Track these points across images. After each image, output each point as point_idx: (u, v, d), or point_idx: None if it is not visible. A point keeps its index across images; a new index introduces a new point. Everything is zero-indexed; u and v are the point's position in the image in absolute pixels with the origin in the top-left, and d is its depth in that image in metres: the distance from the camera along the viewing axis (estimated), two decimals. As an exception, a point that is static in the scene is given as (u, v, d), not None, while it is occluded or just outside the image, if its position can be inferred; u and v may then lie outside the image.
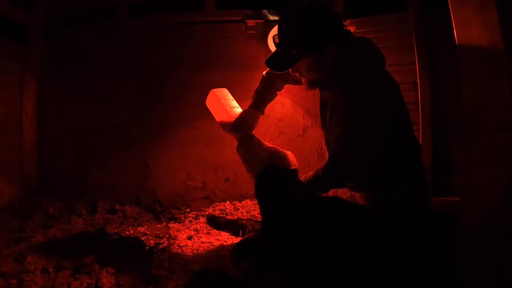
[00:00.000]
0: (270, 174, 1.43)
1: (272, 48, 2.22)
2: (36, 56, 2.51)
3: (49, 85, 2.54)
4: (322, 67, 1.25)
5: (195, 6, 2.51)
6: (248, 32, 2.43)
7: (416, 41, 2.13)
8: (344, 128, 1.25)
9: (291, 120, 2.46)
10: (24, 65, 2.44)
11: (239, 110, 1.69)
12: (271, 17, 2.43)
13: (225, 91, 1.76)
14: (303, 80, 1.37)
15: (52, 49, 2.55)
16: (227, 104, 1.69)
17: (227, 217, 2.08)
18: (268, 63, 1.31)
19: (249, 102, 1.67)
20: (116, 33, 2.54)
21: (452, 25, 1.08)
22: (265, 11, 2.44)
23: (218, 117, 1.70)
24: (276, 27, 1.66)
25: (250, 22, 2.41)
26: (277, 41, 1.26)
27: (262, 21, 2.41)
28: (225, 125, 1.66)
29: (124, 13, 2.54)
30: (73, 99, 2.53)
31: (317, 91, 1.75)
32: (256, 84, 1.69)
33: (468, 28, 1.04)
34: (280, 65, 1.27)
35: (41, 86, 2.53)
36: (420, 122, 2.10)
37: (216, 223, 1.96)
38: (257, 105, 1.65)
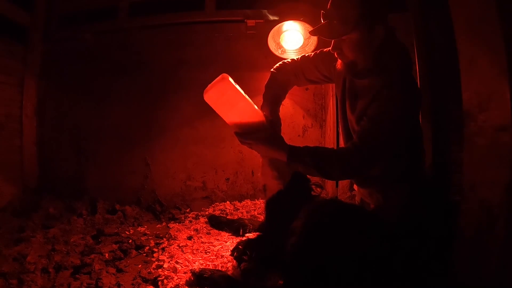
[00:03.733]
0: (300, 182, 1.40)
1: (272, 48, 2.21)
2: (36, 56, 2.50)
3: (49, 85, 2.54)
4: (368, 47, 1.24)
5: (195, 6, 2.51)
6: (248, 32, 2.43)
7: (416, 41, 2.12)
8: (385, 115, 1.22)
9: (291, 120, 2.46)
10: (24, 65, 2.44)
11: (255, 105, 1.36)
12: (271, 17, 2.43)
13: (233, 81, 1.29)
14: (339, 63, 1.33)
15: (52, 49, 2.55)
16: (250, 101, 1.29)
17: (227, 217, 2.08)
18: (316, 32, 1.28)
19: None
20: (116, 33, 2.54)
21: (452, 25, 1.08)
22: (265, 11, 2.44)
23: (240, 116, 1.30)
24: (277, 26, 1.65)
25: (250, 22, 2.41)
26: (332, 10, 1.23)
27: (262, 21, 2.41)
28: (249, 127, 1.31)
29: (124, 13, 2.54)
30: (73, 99, 2.53)
31: (319, 91, 1.76)
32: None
33: (468, 28, 1.04)
34: (332, 33, 1.23)
35: (41, 86, 2.53)
36: (420, 122, 2.10)
37: (217, 222, 1.96)
38: (277, 105, 1.53)
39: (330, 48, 1.28)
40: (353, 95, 1.38)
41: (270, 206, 1.57)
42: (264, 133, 1.31)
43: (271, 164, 1.40)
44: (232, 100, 1.24)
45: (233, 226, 1.84)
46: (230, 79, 1.23)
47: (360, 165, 1.25)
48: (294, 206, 1.40)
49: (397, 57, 1.26)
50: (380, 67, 1.25)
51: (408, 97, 1.23)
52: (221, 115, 1.31)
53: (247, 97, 1.28)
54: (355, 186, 1.79)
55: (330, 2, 1.24)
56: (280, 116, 2.42)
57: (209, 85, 1.25)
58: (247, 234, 1.67)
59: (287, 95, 2.42)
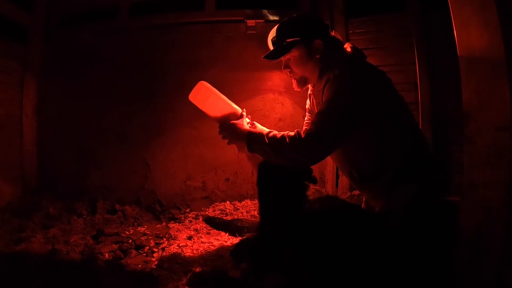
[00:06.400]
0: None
1: (272, 48, 2.22)
2: (36, 56, 2.51)
3: (49, 85, 2.55)
4: (310, 60, 1.40)
5: (195, 6, 2.51)
6: (248, 32, 2.43)
7: (416, 41, 2.12)
8: (329, 102, 1.28)
9: (291, 120, 2.46)
10: (24, 65, 2.44)
11: (229, 101, 1.56)
12: (271, 17, 2.43)
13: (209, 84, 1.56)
14: (293, 82, 1.48)
15: (52, 49, 2.55)
16: (224, 97, 1.53)
17: (227, 217, 2.08)
18: (266, 57, 1.46)
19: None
20: (116, 33, 2.54)
21: (452, 25, 1.08)
22: (265, 11, 2.44)
23: (216, 110, 1.52)
24: (276, 27, 1.71)
25: (250, 22, 2.41)
26: (274, 39, 1.45)
27: (262, 21, 2.42)
28: (225, 118, 1.52)
29: (124, 13, 2.54)
30: (73, 99, 2.54)
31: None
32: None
33: (468, 28, 1.04)
34: (275, 54, 1.43)
35: (41, 86, 2.53)
36: (420, 122, 2.10)
37: (213, 224, 1.95)
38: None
39: (282, 68, 1.47)
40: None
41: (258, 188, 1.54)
42: (229, 123, 1.47)
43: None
44: (204, 96, 1.52)
45: (229, 229, 1.83)
46: (206, 83, 1.52)
47: (313, 152, 1.28)
48: (281, 189, 1.40)
49: (337, 56, 1.37)
50: (326, 69, 1.38)
51: (350, 82, 1.27)
52: (204, 112, 1.54)
53: (219, 94, 1.52)
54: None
55: (275, 32, 1.45)
56: (280, 116, 2.46)
57: None
58: (246, 234, 1.67)
59: (287, 95, 2.45)
